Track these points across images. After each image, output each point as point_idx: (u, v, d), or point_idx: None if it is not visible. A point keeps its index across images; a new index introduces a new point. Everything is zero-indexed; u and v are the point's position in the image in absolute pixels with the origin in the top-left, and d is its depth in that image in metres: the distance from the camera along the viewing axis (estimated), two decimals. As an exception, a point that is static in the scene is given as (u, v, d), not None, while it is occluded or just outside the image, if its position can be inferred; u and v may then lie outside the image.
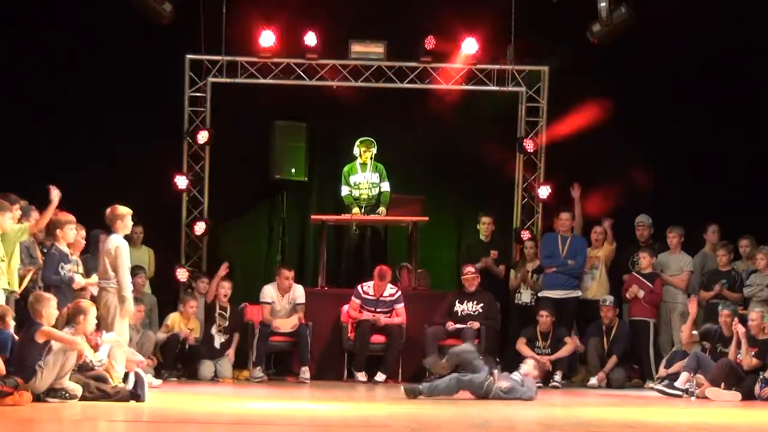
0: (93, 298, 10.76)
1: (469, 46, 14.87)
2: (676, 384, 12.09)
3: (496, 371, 11.15)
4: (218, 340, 13.31)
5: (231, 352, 13.34)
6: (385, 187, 14.33)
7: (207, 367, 13.14)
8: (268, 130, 15.01)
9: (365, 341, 13.43)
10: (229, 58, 14.89)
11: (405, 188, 14.58)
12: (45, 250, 10.97)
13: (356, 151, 14.34)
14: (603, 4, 14.06)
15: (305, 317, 13.49)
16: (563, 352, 13.30)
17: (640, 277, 13.66)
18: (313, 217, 14.55)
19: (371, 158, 14.33)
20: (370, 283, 13.58)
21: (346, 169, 14.41)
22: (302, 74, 15.02)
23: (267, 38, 14.75)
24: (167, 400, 10.42)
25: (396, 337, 13.42)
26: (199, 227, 14.82)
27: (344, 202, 14.40)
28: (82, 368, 9.85)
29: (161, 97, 14.69)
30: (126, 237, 10.81)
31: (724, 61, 14.65)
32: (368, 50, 14.99)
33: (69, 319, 9.97)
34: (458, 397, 10.94)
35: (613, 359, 13.34)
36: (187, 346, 13.12)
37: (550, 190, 15.05)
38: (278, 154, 15.00)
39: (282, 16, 14.79)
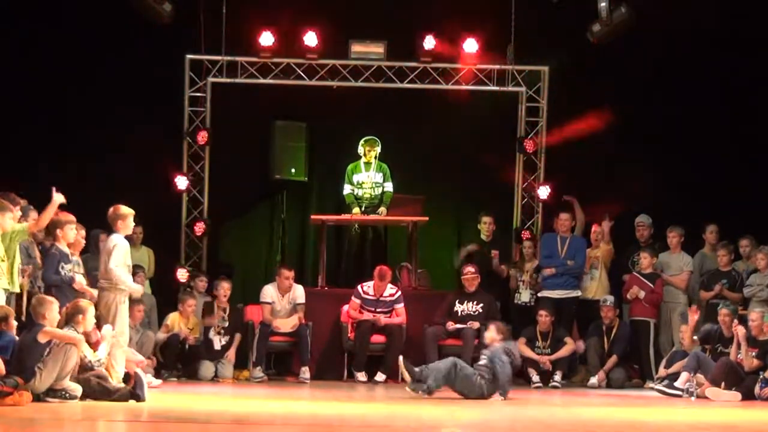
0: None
1: (469, 46, 14.88)
2: (676, 384, 12.09)
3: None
4: (218, 342, 13.29)
5: (231, 353, 13.33)
6: (389, 187, 14.36)
7: (207, 368, 13.14)
8: (268, 130, 15.01)
9: (365, 341, 13.43)
10: (229, 58, 14.90)
11: (405, 188, 14.59)
12: (44, 250, 10.96)
13: (360, 150, 14.37)
14: (603, 4, 14.08)
15: (305, 317, 13.49)
16: (563, 352, 13.30)
17: (641, 277, 13.66)
18: (313, 217, 14.55)
19: (375, 157, 14.37)
20: (370, 283, 13.59)
21: (350, 167, 14.43)
22: (302, 74, 15.02)
23: (267, 38, 14.76)
24: (167, 400, 10.42)
25: (396, 337, 13.42)
26: (199, 227, 14.82)
27: (345, 201, 14.41)
28: (82, 368, 9.84)
29: (161, 97, 14.69)
30: (126, 237, 10.81)
31: (724, 61, 14.65)
32: (368, 50, 15.00)
33: (68, 319, 9.97)
34: (458, 397, 10.93)
35: (613, 359, 13.33)
36: (187, 346, 13.12)
37: (549, 190, 15.06)
38: (278, 154, 15.00)
39: (282, 16, 14.81)
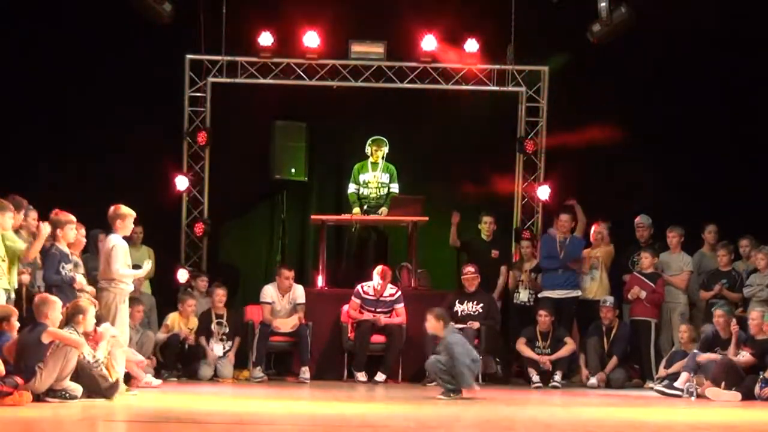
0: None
1: (469, 46, 14.88)
2: (676, 384, 12.09)
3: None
4: (221, 349, 13.25)
5: (231, 354, 13.32)
6: (395, 188, 14.41)
7: (207, 368, 13.14)
8: (268, 130, 15.01)
9: (365, 341, 13.43)
10: (229, 58, 14.90)
11: (405, 188, 14.59)
12: (44, 250, 10.96)
13: (367, 150, 14.41)
14: (603, 4, 14.08)
15: (305, 317, 13.49)
16: (563, 352, 13.30)
17: (642, 277, 13.66)
18: (313, 217, 14.55)
19: (382, 158, 14.39)
20: (370, 283, 13.59)
21: (356, 167, 14.45)
22: (302, 74, 15.02)
23: (267, 38, 14.76)
24: (167, 400, 10.42)
25: (396, 337, 13.42)
26: (199, 227, 14.82)
27: (348, 200, 14.43)
28: (81, 367, 9.84)
29: (161, 97, 14.69)
30: (126, 237, 10.82)
31: (724, 61, 14.65)
32: (368, 50, 15.00)
33: (68, 319, 9.97)
34: (458, 398, 10.93)
35: (614, 360, 13.33)
36: (187, 346, 13.12)
37: (549, 191, 15.06)
38: (278, 154, 15.00)
39: (282, 16, 14.81)
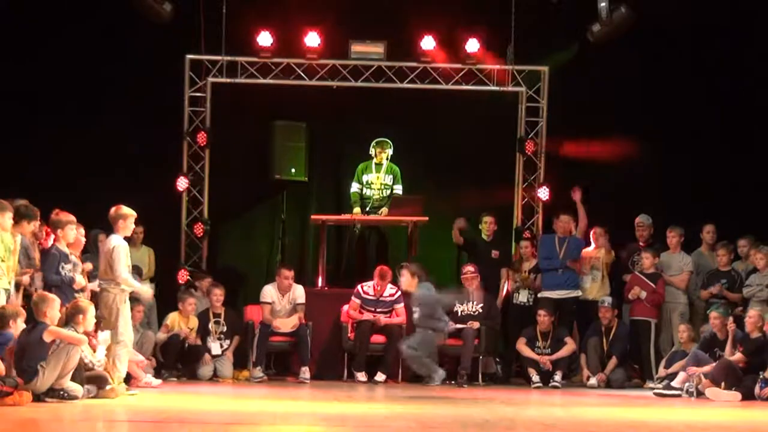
0: (92, 298, 10.78)
1: (470, 46, 14.88)
2: (674, 383, 12.10)
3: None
4: (218, 348, 13.27)
5: (229, 352, 13.32)
6: (398, 189, 14.44)
7: (207, 367, 13.14)
8: (268, 130, 15.00)
9: (365, 341, 13.43)
10: (229, 58, 14.90)
11: (405, 188, 14.59)
12: (44, 251, 10.96)
13: (372, 151, 14.46)
14: (603, 4, 14.07)
15: (305, 317, 13.49)
16: (563, 352, 13.31)
17: (643, 277, 13.66)
18: (313, 217, 14.55)
19: (387, 159, 14.40)
20: (370, 283, 13.59)
21: (360, 166, 14.48)
22: (302, 74, 15.02)
23: (266, 38, 14.76)
24: (167, 400, 10.42)
25: (396, 337, 13.40)
26: (199, 227, 14.82)
27: (350, 199, 14.44)
28: (81, 367, 9.85)
29: (161, 97, 14.69)
30: (126, 237, 10.82)
31: (724, 61, 14.65)
32: (368, 50, 15.00)
33: (68, 319, 9.98)
34: (458, 398, 10.94)
35: (613, 361, 13.33)
36: (186, 346, 13.12)
37: (549, 191, 15.06)
38: (278, 154, 14.99)
39: (282, 16, 14.81)
